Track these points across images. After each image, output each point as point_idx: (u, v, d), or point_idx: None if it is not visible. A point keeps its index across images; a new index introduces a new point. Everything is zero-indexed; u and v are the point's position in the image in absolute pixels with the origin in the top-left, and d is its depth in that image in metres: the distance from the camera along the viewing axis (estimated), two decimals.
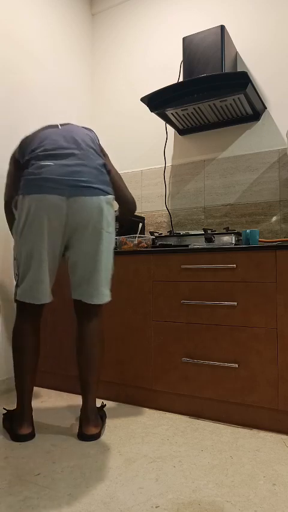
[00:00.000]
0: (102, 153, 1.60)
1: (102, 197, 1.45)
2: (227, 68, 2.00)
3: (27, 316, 1.49)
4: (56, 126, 1.56)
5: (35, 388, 2.10)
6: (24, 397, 1.48)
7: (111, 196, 1.50)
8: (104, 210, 1.45)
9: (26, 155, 1.50)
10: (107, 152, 2.73)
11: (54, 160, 1.43)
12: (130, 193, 1.72)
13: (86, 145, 1.51)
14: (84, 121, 2.71)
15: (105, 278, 1.51)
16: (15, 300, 1.50)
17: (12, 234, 1.66)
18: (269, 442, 1.45)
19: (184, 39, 2.08)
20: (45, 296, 1.46)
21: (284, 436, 1.50)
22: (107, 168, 1.54)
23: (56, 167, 1.41)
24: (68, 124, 1.59)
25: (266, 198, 2.13)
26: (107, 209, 1.47)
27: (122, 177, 2.61)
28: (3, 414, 1.59)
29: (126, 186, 1.71)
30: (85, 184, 1.42)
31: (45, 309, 2.09)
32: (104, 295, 1.51)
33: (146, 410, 1.78)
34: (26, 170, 1.44)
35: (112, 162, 2.67)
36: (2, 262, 2.06)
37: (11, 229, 1.68)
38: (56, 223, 1.41)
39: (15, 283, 1.51)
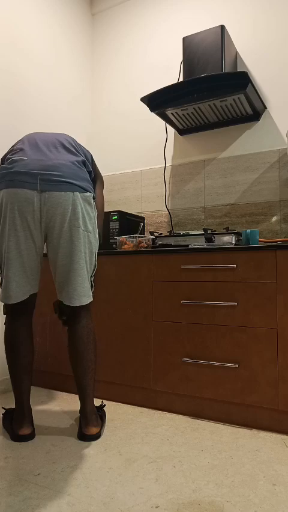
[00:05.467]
0: (85, 156, 1.55)
1: (78, 193, 1.40)
2: (227, 68, 2.00)
3: (14, 316, 1.48)
4: (36, 132, 1.56)
5: (34, 388, 2.10)
6: (22, 397, 1.47)
7: (89, 194, 1.45)
8: (78, 206, 1.40)
9: (4, 159, 1.50)
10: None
11: (31, 155, 1.41)
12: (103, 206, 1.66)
13: (66, 143, 1.50)
14: (84, 121, 2.71)
15: (84, 279, 1.45)
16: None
17: None
18: (269, 442, 1.45)
19: (184, 39, 2.08)
20: (16, 295, 1.41)
21: (284, 436, 1.50)
22: (88, 168, 1.51)
23: (30, 161, 1.39)
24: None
25: (266, 198, 2.13)
26: (83, 206, 1.42)
27: (122, 177, 2.61)
28: (3, 414, 1.59)
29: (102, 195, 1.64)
30: (59, 179, 1.38)
31: (45, 309, 2.08)
32: (82, 296, 1.44)
33: (146, 410, 1.78)
34: (1, 166, 1.43)
35: (112, 162, 2.67)
36: None
37: None
38: (28, 218, 1.38)
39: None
